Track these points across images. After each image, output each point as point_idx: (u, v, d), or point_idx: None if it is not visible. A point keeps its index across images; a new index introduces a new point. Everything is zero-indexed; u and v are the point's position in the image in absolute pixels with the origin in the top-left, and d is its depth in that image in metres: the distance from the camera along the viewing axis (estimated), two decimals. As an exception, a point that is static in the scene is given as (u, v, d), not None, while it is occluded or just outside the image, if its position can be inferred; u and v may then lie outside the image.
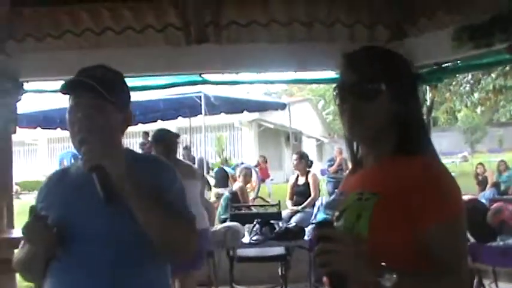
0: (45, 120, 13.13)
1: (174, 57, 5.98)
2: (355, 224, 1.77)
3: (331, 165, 15.30)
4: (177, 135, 6.09)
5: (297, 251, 6.68)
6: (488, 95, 20.97)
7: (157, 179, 2.22)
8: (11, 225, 5.77)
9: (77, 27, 5.81)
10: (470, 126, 42.98)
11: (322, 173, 15.31)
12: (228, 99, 15.17)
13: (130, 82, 6.73)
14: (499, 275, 6.33)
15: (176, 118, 16.73)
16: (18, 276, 4.58)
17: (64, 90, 2.21)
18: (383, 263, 1.64)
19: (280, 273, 6.99)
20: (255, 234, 6.31)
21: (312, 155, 10.88)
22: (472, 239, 5.93)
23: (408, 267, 1.68)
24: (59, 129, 13.64)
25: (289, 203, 9.27)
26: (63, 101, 2.24)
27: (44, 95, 6.77)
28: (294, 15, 5.91)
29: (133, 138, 23.33)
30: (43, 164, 28.72)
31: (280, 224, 6.75)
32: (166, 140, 5.82)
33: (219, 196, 15.48)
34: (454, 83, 20.03)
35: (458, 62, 6.09)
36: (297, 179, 9.41)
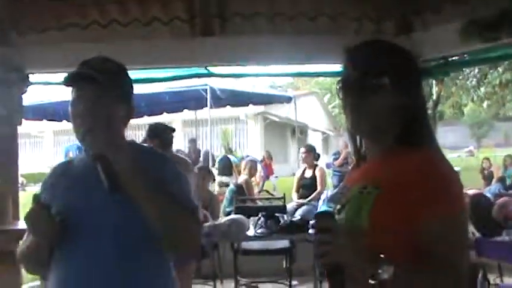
0: (51, 113, 13.13)
1: (180, 50, 5.97)
2: (356, 216, 1.77)
3: (336, 159, 15.27)
4: (172, 130, 6.08)
5: (301, 244, 6.68)
6: (494, 89, 20.93)
7: (161, 171, 2.23)
8: (16, 217, 5.78)
9: (84, 20, 5.82)
10: (477, 120, 42.93)
11: (328, 166, 15.29)
12: (234, 92, 15.15)
13: (136, 74, 6.76)
14: (504, 269, 6.32)
15: (182, 111, 16.72)
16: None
17: (66, 82, 2.21)
18: (381, 255, 1.65)
19: (284, 266, 6.99)
20: (260, 227, 6.31)
21: (318, 149, 10.88)
22: (477, 234, 5.92)
23: (407, 260, 1.68)
24: (64, 121, 13.62)
25: (295, 195, 9.29)
26: (69, 93, 2.24)
27: (50, 87, 6.79)
28: (300, 8, 5.90)
29: (139, 131, 23.36)
30: (49, 156, 28.79)
31: (285, 217, 6.74)
32: (162, 135, 5.80)
33: (222, 185, 15.51)
34: (460, 77, 19.99)
35: (465, 55, 6.07)
36: (304, 172, 9.43)
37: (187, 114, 19.12)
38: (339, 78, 1.91)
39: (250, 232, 6.40)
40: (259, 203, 8.89)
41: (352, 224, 1.77)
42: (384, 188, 1.76)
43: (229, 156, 18.47)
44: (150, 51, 5.91)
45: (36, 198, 2.16)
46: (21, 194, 6.33)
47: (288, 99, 19.20)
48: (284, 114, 25.43)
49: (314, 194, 8.97)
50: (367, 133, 1.92)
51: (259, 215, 6.44)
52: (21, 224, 5.29)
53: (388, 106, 1.83)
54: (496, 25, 5.00)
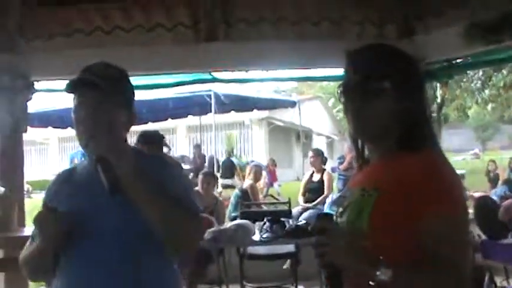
0: (56, 120, 13.14)
1: (184, 56, 5.98)
2: (357, 219, 1.79)
3: (341, 163, 15.25)
4: (161, 136, 6.13)
5: (307, 249, 6.67)
6: (499, 91, 20.91)
7: (163, 175, 2.24)
8: (22, 223, 5.79)
9: (87, 26, 5.84)
10: (481, 123, 42.84)
11: (333, 170, 15.28)
12: (238, 97, 15.16)
13: (140, 80, 6.78)
14: (511, 272, 6.31)
15: (186, 116, 16.73)
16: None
17: (68, 89, 2.22)
18: (379, 257, 1.66)
19: (290, 271, 6.99)
20: (265, 232, 6.31)
21: (323, 153, 10.91)
22: (483, 236, 5.91)
23: (408, 262, 1.70)
24: (69, 128, 13.63)
25: (301, 199, 9.30)
26: (72, 100, 2.25)
27: (55, 94, 6.81)
28: (303, 13, 5.91)
29: (144, 137, 23.33)
30: (54, 163, 28.80)
31: (291, 221, 6.74)
32: (151, 141, 5.81)
33: (225, 187, 15.53)
34: (464, 79, 19.98)
35: (469, 58, 6.07)
36: (311, 176, 9.45)
37: (191, 119, 19.12)
38: (340, 83, 1.92)
39: (256, 237, 6.40)
40: (265, 208, 8.90)
41: (353, 226, 1.79)
42: (384, 191, 1.77)
43: (232, 159, 18.47)
44: (154, 57, 5.93)
45: (45, 202, 2.18)
46: (26, 201, 6.34)
47: (293, 104, 19.19)
48: (288, 119, 25.43)
49: (320, 198, 8.98)
50: (369, 137, 1.93)
51: (265, 220, 6.44)
52: (27, 231, 5.31)
53: (390, 110, 1.84)
54: (498, 28, 5.00)
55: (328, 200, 8.81)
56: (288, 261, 7.44)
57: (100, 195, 2.13)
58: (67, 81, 2.21)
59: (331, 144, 35.35)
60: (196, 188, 7.60)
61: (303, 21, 5.90)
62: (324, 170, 9.46)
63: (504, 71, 19.03)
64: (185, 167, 16.83)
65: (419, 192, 1.70)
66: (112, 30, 5.85)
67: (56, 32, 5.82)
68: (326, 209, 8.54)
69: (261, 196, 13.50)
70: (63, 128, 13.57)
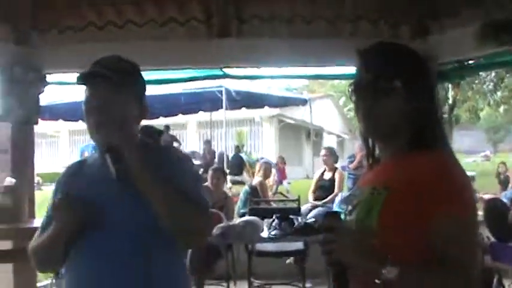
0: (68, 112, 13.20)
1: (196, 51, 5.98)
2: (366, 217, 1.79)
3: (351, 162, 15.25)
4: (159, 132, 6.18)
5: (315, 246, 6.67)
6: (511, 93, 20.80)
7: (173, 168, 2.24)
8: (32, 215, 5.82)
9: (100, 20, 5.85)
10: (493, 125, 42.65)
11: (343, 169, 15.29)
12: (249, 94, 15.17)
13: (151, 75, 6.79)
14: (520, 275, 6.28)
15: (197, 112, 16.78)
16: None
17: (80, 81, 2.23)
18: (386, 255, 1.66)
19: (298, 268, 6.99)
20: (274, 229, 6.30)
21: (333, 152, 10.91)
22: (492, 239, 5.89)
23: (416, 261, 1.70)
24: (80, 121, 13.64)
25: (311, 196, 9.29)
26: (83, 93, 2.26)
27: (66, 87, 6.83)
28: (317, 11, 5.90)
29: (154, 132, 23.36)
30: (65, 155, 28.94)
31: (299, 219, 6.74)
32: (154, 136, 5.83)
33: (234, 182, 15.54)
34: (476, 81, 19.91)
35: (481, 59, 6.04)
36: (323, 174, 9.44)
37: (202, 115, 19.19)
38: (351, 81, 1.92)
39: (264, 234, 6.40)
40: (274, 205, 8.91)
41: (362, 224, 1.80)
42: (394, 189, 1.77)
43: (241, 154, 18.46)
44: (166, 52, 5.93)
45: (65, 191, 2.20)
46: (37, 193, 6.38)
47: (304, 102, 19.19)
48: (299, 116, 25.43)
49: (331, 196, 8.97)
50: (379, 136, 1.93)
51: (274, 217, 6.44)
52: (37, 223, 5.33)
53: (401, 109, 1.84)
54: (511, 28, 4.97)
55: (338, 199, 8.79)
56: (292, 257, 7.44)
57: (110, 188, 2.14)
58: (79, 74, 2.22)
59: (341, 143, 35.32)
60: (206, 184, 7.61)
61: (317, 19, 5.88)
62: (336, 168, 9.47)
63: (517, 73, 18.93)
64: (195, 162, 16.86)
65: (429, 192, 1.70)
66: (124, 25, 5.85)
67: (68, 25, 5.83)
68: (335, 207, 8.53)
69: (270, 193, 13.52)
70: (74, 120, 13.64)
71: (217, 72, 6.72)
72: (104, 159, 2.15)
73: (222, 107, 14.55)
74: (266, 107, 19.00)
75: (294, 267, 7.15)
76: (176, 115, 16.35)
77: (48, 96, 9.49)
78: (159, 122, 18.16)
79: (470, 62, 6.06)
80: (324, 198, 9.02)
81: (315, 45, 5.96)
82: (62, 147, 31.66)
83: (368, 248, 1.71)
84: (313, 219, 6.92)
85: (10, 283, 5.27)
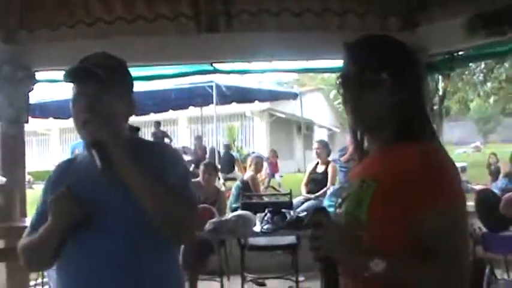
0: (58, 110, 13.17)
1: (186, 47, 5.98)
2: (355, 209, 1.80)
3: (342, 155, 15.31)
4: (137, 128, 6.14)
5: (308, 240, 6.68)
6: (501, 84, 20.87)
7: (161, 163, 2.23)
8: (24, 214, 5.81)
9: (89, 17, 5.83)
10: (483, 116, 42.75)
11: (334, 162, 15.39)
12: (240, 89, 15.18)
13: (141, 71, 6.76)
14: (511, 264, 6.31)
15: (187, 107, 16.77)
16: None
17: (67, 78, 2.22)
18: (374, 249, 1.68)
19: (291, 262, 7.00)
20: (266, 223, 6.30)
21: (324, 145, 10.90)
22: (484, 229, 5.91)
23: (406, 253, 1.71)
24: (71, 119, 13.64)
25: (304, 188, 9.29)
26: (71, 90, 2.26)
27: (56, 84, 6.80)
28: (305, 4, 5.90)
29: (145, 128, 23.40)
30: (55, 153, 28.84)
31: (292, 213, 6.74)
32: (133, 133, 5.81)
33: (227, 179, 15.55)
34: (466, 72, 19.92)
35: (471, 50, 6.05)
36: (316, 167, 9.44)
37: (193, 111, 19.16)
38: (338, 74, 1.93)
39: (257, 228, 6.40)
40: (266, 199, 8.91)
41: (351, 216, 1.80)
42: (383, 181, 1.77)
43: (231, 152, 18.46)
44: (156, 48, 5.92)
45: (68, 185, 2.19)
46: (28, 191, 6.36)
47: (294, 96, 19.21)
48: (290, 110, 25.45)
49: (324, 189, 8.97)
50: (367, 128, 1.94)
51: (266, 211, 6.44)
52: (28, 221, 5.33)
53: (388, 101, 1.84)
54: (501, 19, 4.99)
55: (329, 191, 8.80)
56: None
57: (99, 185, 2.14)
58: (65, 71, 2.21)
59: (332, 136, 35.30)
60: (198, 179, 7.60)
61: (305, 13, 5.88)
62: (329, 162, 9.46)
63: (506, 64, 18.98)
64: (186, 158, 16.86)
65: (418, 184, 1.70)
66: (114, 21, 5.84)
67: (58, 22, 5.81)
68: (325, 200, 8.54)
69: (262, 187, 13.53)
70: (64, 118, 13.61)
71: (207, 67, 6.71)
72: (92, 156, 2.14)
73: (212, 102, 14.55)
74: (257, 102, 19.00)
75: (286, 260, 7.15)
76: (167, 111, 16.34)
77: (38, 94, 9.46)
78: (150, 118, 18.21)
79: (460, 53, 6.08)
80: (316, 191, 9.02)
81: (303, 38, 5.97)
82: (53, 145, 31.54)
83: (355, 244, 1.72)
84: (305, 213, 6.93)
85: (3, 282, 5.26)
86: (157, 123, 18.89)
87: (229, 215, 6.87)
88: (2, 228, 5.31)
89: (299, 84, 38.89)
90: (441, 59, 6.00)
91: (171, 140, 19.73)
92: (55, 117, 14.45)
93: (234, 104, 16.73)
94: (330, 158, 9.77)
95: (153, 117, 17.05)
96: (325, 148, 9.63)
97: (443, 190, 1.72)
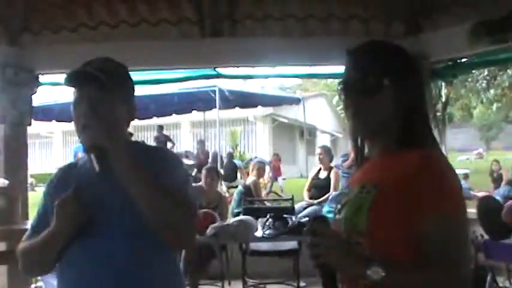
0: (61, 113, 13.15)
1: (189, 51, 5.98)
2: (355, 215, 1.80)
3: (345, 161, 15.31)
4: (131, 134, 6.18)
5: (308, 247, 6.66)
6: (504, 91, 20.88)
7: (160, 167, 2.22)
8: (25, 217, 5.80)
9: (92, 20, 5.84)
10: (486, 123, 42.71)
11: (336, 167, 15.40)
12: (243, 94, 15.18)
13: (144, 75, 6.75)
14: (513, 272, 6.30)
15: (190, 112, 16.77)
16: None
17: (66, 82, 2.22)
18: (372, 256, 1.68)
19: (292, 268, 6.99)
20: (268, 229, 6.30)
21: (327, 151, 10.89)
22: (486, 236, 5.90)
23: (406, 259, 1.70)
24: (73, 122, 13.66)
25: (306, 194, 9.28)
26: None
27: (59, 87, 6.81)
28: (309, 10, 5.90)
29: (148, 132, 23.40)
30: (58, 156, 28.87)
31: (293, 218, 6.73)
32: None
33: (230, 187, 15.54)
34: (469, 79, 19.94)
35: (474, 57, 6.05)
36: (318, 172, 9.43)
37: (195, 115, 19.16)
38: (340, 80, 1.93)
39: (259, 233, 6.39)
40: (268, 204, 8.90)
41: (350, 222, 1.81)
42: (383, 187, 1.77)
43: (234, 161, 18.45)
44: (159, 52, 5.93)
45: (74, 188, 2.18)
46: (30, 194, 6.35)
47: (297, 101, 19.20)
48: (293, 115, 25.42)
49: (325, 196, 8.95)
50: (368, 134, 1.94)
51: (268, 216, 6.43)
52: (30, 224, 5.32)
53: (388, 107, 1.84)
54: (505, 27, 4.98)
55: (330, 197, 8.79)
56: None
57: (100, 190, 2.14)
58: (65, 75, 2.21)
59: (335, 142, 35.33)
60: (200, 184, 7.60)
61: (309, 18, 5.89)
62: (332, 167, 9.45)
63: (509, 71, 19.00)
64: (189, 162, 16.87)
65: (420, 188, 1.70)
66: (117, 25, 5.85)
67: (61, 25, 5.82)
68: (325, 205, 8.53)
69: (265, 192, 13.52)
70: (67, 121, 13.53)
71: (211, 72, 6.72)
72: (91, 160, 2.14)
73: (215, 107, 14.54)
74: (259, 107, 18.98)
75: (288, 265, 7.14)
76: (170, 115, 16.35)
77: (41, 97, 9.47)
78: (152, 122, 18.23)
79: (463, 60, 6.07)
80: (318, 197, 9.01)
81: (307, 44, 5.97)
82: (56, 148, 31.57)
83: (354, 251, 1.74)
84: (307, 219, 6.93)
85: (4, 284, 5.25)
86: (160, 127, 18.89)
87: (231, 219, 6.87)
88: (4, 230, 5.30)
89: (302, 89, 38.93)
90: (444, 66, 6.00)
91: (173, 144, 19.73)
92: (58, 120, 14.44)
93: (237, 108, 16.73)
94: (332, 164, 9.75)
95: (155, 121, 17.04)
96: (327, 154, 9.62)
97: (446, 194, 1.72)
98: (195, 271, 6.48)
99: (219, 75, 6.83)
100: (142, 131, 24.67)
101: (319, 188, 9.18)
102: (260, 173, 10.14)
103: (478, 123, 42.32)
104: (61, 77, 6.47)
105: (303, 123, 22.71)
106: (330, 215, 1.97)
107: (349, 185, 2.03)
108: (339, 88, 1.92)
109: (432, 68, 5.79)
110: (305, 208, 8.77)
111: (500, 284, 6.05)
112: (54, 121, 14.68)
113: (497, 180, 17.49)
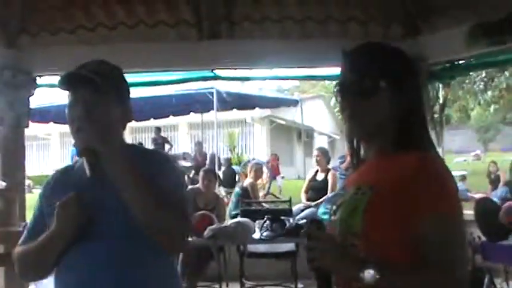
0: (58, 115, 13.13)
1: (187, 53, 5.97)
2: (350, 217, 1.80)
3: (342, 162, 15.33)
4: None
5: (304, 250, 6.66)
6: (501, 93, 20.91)
7: (155, 171, 2.21)
8: (23, 219, 5.80)
9: (90, 22, 5.83)
10: (483, 124, 42.78)
11: (334, 169, 15.43)
12: (240, 95, 15.20)
13: (142, 77, 6.75)
14: (510, 273, 6.31)
15: (188, 114, 16.79)
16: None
17: (61, 84, 2.22)
18: (367, 259, 1.69)
19: (290, 269, 6.99)
20: (266, 230, 6.30)
21: (324, 152, 10.91)
22: (483, 238, 5.91)
23: (402, 261, 1.71)
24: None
25: (303, 196, 9.29)
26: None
27: (56, 89, 6.79)
28: (307, 12, 5.89)
29: (146, 133, 23.38)
30: (55, 158, 28.84)
31: (291, 220, 6.74)
32: None
33: (229, 193, 15.54)
34: (467, 81, 19.96)
35: (472, 59, 6.05)
36: (316, 174, 9.44)
37: (193, 117, 19.17)
38: (336, 81, 1.93)
39: (256, 235, 6.40)
40: (265, 206, 8.91)
41: (345, 224, 1.81)
42: (379, 189, 1.77)
43: (233, 167, 18.44)
44: (157, 54, 5.92)
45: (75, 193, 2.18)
46: (28, 196, 6.34)
47: (295, 103, 19.22)
48: (290, 117, 25.45)
49: (323, 197, 8.96)
50: (364, 136, 1.95)
51: (265, 218, 6.44)
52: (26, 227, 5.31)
53: (385, 109, 1.85)
54: (502, 29, 4.99)
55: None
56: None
57: (95, 193, 2.14)
58: (59, 77, 2.21)
59: (332, 144, 35.31)
60: (197, 185, 7.60)
61: (307, 20, 5.88)
62: (329, 169, 9.47)
63: (507, 73, 19.01)
64: (186, 164, 16.87)
65: (417, 189, 1.71)
66: (115, 26, 5.84)
67: (59, 27, 5.81)
68: (321, 207, 8.53)
69: (263, 192, 13.51)
70: (64, 123, 13.51)
71: (208, 73, 6.72)
72: (83, 161, 2.15)
73: (213, 109, 14.56)
74: (257, 108, 18.98)
75: (285, 267, 7.15)
76: (167, 116, 16.35)
77: (39, 99, 9.45)
78: (150, 124, 18.23)
79: (461, 62, 6.07)
80: (316, 199, 9.02)
81: (305, 46, 5.96)
82: (53, 150, 31.52)
83: (348, 254, 1.75)
84: (305, 221, 6.93)
85: (1, 286, 5.24)
86: (158, 129, 18.90)
87: (228, 221, 6.87)
88: (1, 232, 5.31)
89: (300, 91, 38.97)
90: (442, 68, 6.00)
91: (171, 146, 19.73)
92: (55, 122, 14.44)
93: (234, 110, 16.73)
94: (329, 166, 9.76)
95: (153, 122, 17.06)
96: (324, 156, 9.63)
97: (443, 196, 1.73)
98: (192, 273, 6.48)
99: (216, 77, 6.83)
100: (140, 132, 24.65)
101: (316, 190, 9.19)
102: (257, 174, 10.15)
103: (476, 124, 42.38)
104: (58, 79, 6.49)
105: (300, 125, 22.74)
106: (326, 216, 1.98)
107: (345, 187, 2.03)
108: (336, 90, 1.93)
109: (430, 70, 5.79)
110: (302, 210, 8.78)
111: (498, 286, 6.06)
112: (51, 123, 14.67)
113: (494, 182, 17.50)
